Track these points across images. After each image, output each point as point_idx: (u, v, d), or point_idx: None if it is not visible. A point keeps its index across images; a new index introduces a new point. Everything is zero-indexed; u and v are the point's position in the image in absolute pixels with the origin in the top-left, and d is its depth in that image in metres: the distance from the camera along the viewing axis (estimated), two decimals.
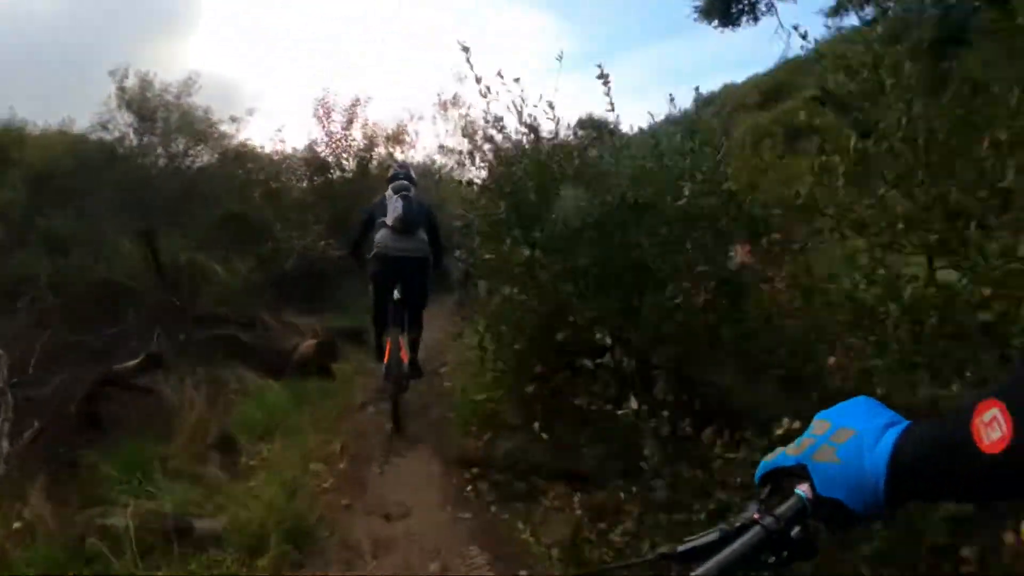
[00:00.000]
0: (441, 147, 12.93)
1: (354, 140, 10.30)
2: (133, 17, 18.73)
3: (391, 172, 4.71)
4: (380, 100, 15.63)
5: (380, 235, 4.25)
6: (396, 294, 4.20)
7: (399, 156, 10.89)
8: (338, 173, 10.15)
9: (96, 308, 6.07)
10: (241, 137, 10.66)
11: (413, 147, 12.45)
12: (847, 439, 0.57)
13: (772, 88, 13.55)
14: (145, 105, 10.29)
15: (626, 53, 38.59)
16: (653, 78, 36.60)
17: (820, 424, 0.61)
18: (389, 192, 4.35)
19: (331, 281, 7.84)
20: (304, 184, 9.86)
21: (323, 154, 10.01)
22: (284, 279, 7.32)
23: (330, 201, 9.61)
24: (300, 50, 32.52)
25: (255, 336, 5.99)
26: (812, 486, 0.59)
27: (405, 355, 4.25)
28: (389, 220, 4.22)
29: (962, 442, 0.47)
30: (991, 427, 0.45)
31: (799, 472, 0.60)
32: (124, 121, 10.40)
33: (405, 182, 4.39)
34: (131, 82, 10.39)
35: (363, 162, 10.47)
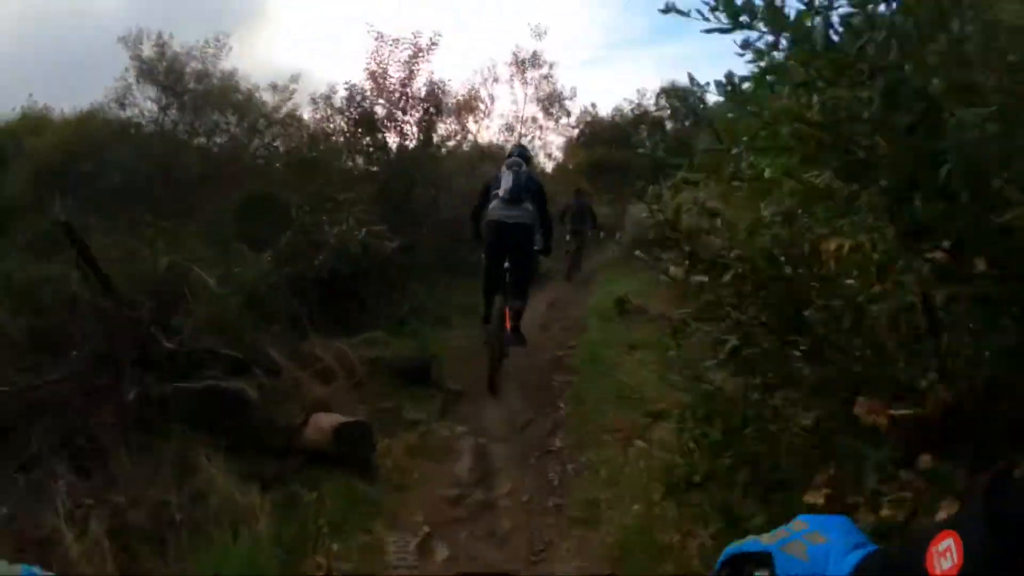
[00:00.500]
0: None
1: (417, 93, 7.82)
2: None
3: (508, 149, 5.51)
4: (446, 55, 13.29)
5: (492, 205, 4.58)
6: (502, 262, 4.54)
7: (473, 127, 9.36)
8: (395, 139, 7.74)
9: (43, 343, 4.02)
10: (286, 110, 8.60)
11: (488, 115, 10.06)
12: (820, 543, 0.61)
13: None
14: (166, 74, 8.46)
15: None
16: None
17: (799, 523, 0.64)
18: (503, 167, 4.72)
19: (381, 286, 5.48)
20: (349, 155, 7.53)
21: (375, 110, 7.61)
22: (311, 284, 4.99)
23: (384, 176, 7.26)
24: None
25: (250, 384, 3.67)
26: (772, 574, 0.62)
27: (508, 323, 4.49)
28: (501, 192, 4.55)
29: (917, 569, 0.50)
30: (944, 556, 0.48)
31: (763, 560, 0.62)
32: (143, 95, 8.65)
33: (518, 159, 4.77)
34: (147, 49, 8.60)
35: (427, 126, 8.02)
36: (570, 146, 17.43)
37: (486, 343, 4.51)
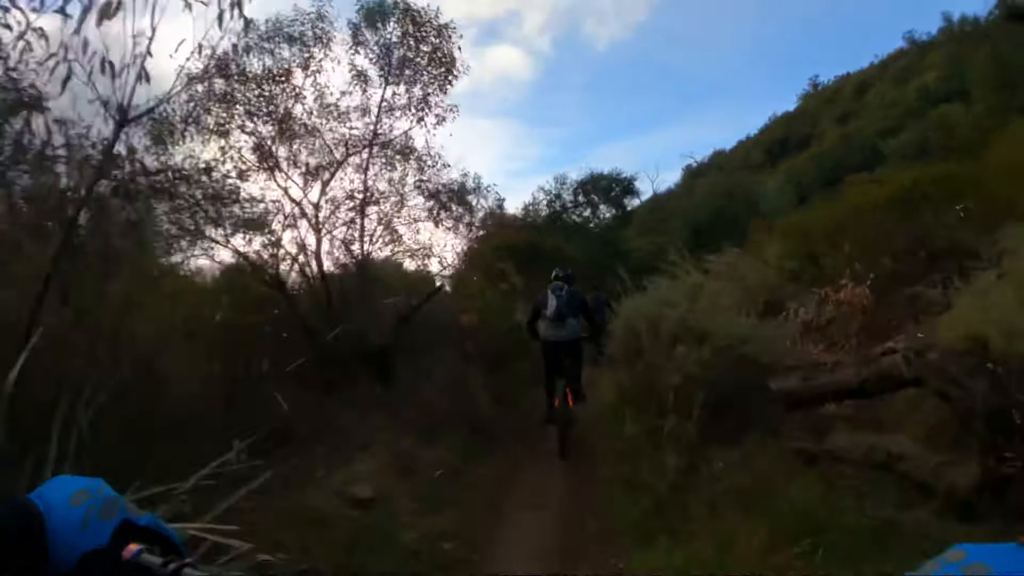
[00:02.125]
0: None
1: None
2: None
3: (553, 274, 5.81)
4: None
5: (543, 326, 5.51)
6: (559, 365, 5.44)
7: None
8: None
9: None
10: None
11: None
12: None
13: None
14: None
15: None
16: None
17: (955, 553, 0.55)
18: (548, 291, 5.49)
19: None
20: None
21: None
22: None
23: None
24: None
25: None
26: None
27: (571, 401, 5.31)
28: (548, 313, 5.39)
29: None
30: None
31: None
32: None
33: (559, 282, 5.57)
34: None
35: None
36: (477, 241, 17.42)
37: (553, 421, 5.38)
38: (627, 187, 23.79)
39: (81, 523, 0.62)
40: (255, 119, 6.16)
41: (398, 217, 7.37)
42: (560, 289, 5.45)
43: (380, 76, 7.02)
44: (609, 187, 23.81)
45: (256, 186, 6.20)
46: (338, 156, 6.80)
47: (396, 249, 7.53)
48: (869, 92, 39.81)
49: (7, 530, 0.60)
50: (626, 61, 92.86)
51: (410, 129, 7.20)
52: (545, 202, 23.30)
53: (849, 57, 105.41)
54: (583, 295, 5.78)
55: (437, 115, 7.22)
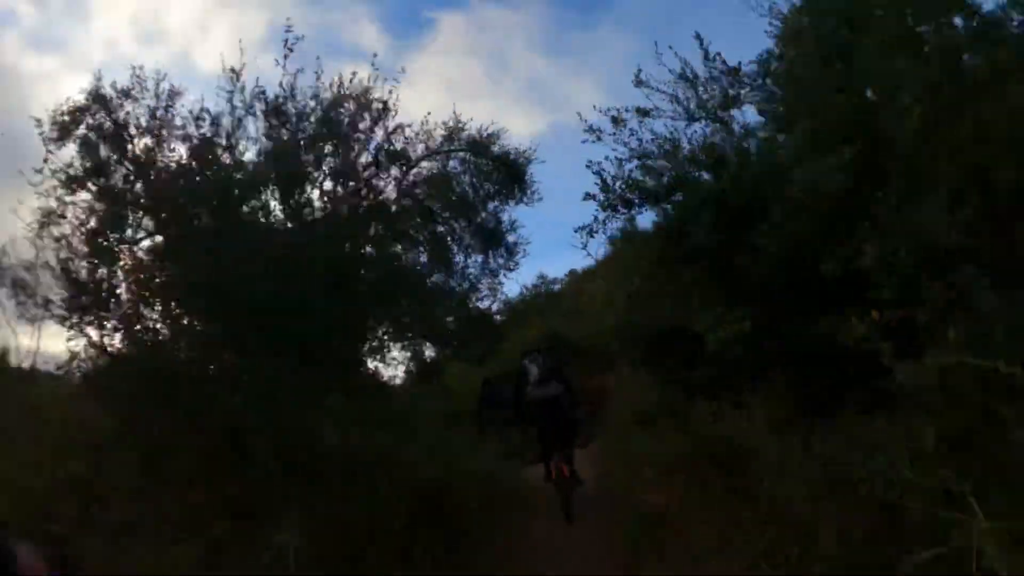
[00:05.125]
0: None
1: None
2: None
3: (524, 348, 6.89)
4: None
5: (528, 390, 5.96)
6: (551, 426, 5.92)
7: None
8: None
9: None
10: None
11: None
12: None
13: None
14: None
15: None
16: None
17: None
18: (526, 362, 6.08)
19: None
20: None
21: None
22: None
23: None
24: None
25: None
26: None
27: (565, 470, 5.67)
28: (532, 379, 5.94)
29: None
30: None
31: None
32: None
33: (534, 353, 6.23)
34: None
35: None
36: None
37: (554, 483, 5.70)
38: None
39: None
40: None
41: None
42: (538, 358, 6.06)
43: None
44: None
45: None
46: None
47: None
48: None
49: None
50: None
51: None
52: None
53: None
54: (558, 362, 6.27)
55: None
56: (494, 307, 8.33)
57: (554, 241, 20.83)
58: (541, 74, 35.78)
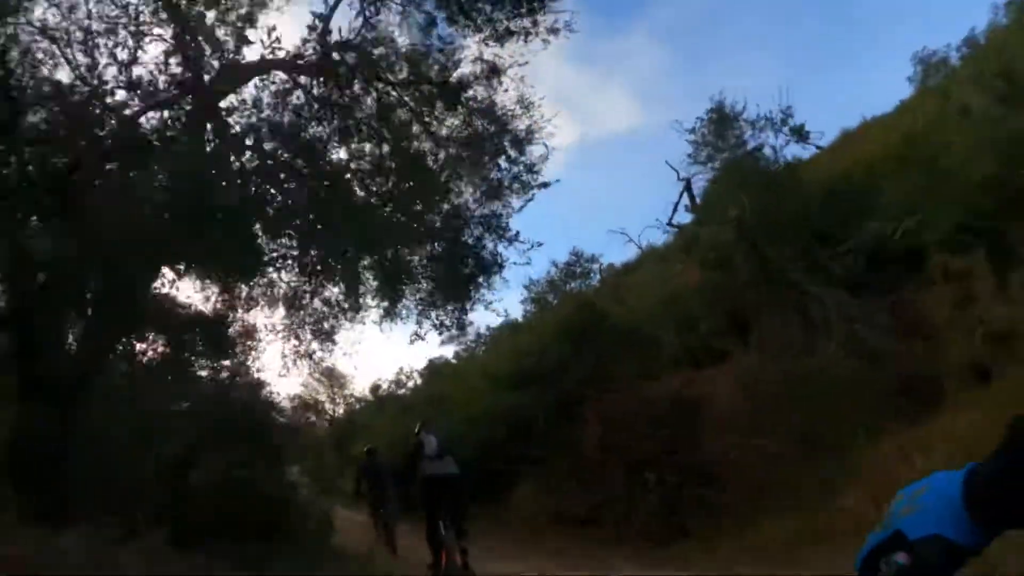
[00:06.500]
0: None
1: None
2: None
3: (420, 424, 6.41)
4: None
5: (423, 464, 5.87)
6: (443, 504, 5.75)
7: None
8: None
9: None
10: None
11: None
12: (924, 491, 0.67)
13: None
14: None
15: None
16: None
17: (897, 497, 0.70)
18: (423, 433, 6.04)
19: None
20: None
21: None
22: None
23: None
24: None
25: None
26: (908, 549, 0.63)
27: (458, 558, 5.57)
28: (428, 452, 5.86)
29: None
30: None
31: (894, 544, 0.66)
32: None
33: (431, 423, 6.42)
34: None
35: None
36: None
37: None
38: None
39: None
40: None
41: None
42: (432, 430, 6.11)
43: None
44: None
45: None
46: None
47: None
48: None
49: None
50: None
51: None
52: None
53: None
54: (451, 443, 6.28)
55: None
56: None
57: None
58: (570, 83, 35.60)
